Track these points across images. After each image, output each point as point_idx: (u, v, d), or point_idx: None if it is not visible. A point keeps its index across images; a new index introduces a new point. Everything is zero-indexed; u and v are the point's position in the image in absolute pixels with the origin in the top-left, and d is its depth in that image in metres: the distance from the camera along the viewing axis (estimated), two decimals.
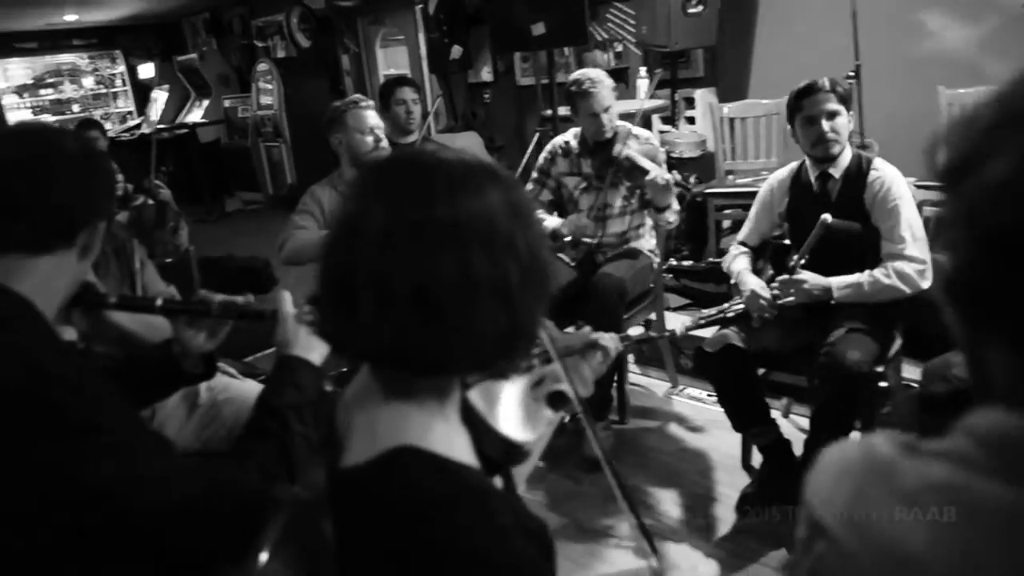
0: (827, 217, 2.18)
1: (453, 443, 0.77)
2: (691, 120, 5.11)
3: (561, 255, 2.97)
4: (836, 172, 2.36)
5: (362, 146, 2.68)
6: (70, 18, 9.03)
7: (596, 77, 2.77)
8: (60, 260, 1.13)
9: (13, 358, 1.00)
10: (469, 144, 6.50)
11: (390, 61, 8.33)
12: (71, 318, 1.71)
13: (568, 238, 2.79)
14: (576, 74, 2.82)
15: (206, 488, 1.06)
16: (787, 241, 2.55)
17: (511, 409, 0.89)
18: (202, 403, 2.07)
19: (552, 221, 2.86)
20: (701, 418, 2.98)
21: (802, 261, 2.27)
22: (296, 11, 8.12)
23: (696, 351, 2.36)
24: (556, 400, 1.00)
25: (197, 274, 2.90)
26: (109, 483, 0.99)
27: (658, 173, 2.58)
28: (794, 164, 2.53)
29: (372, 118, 2.70)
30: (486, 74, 6.72)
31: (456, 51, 6.57)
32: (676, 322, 3.39)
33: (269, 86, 8.19)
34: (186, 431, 2.04)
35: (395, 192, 0.73)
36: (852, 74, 3.62)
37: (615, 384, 2.90)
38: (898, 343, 2.41)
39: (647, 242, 2.99)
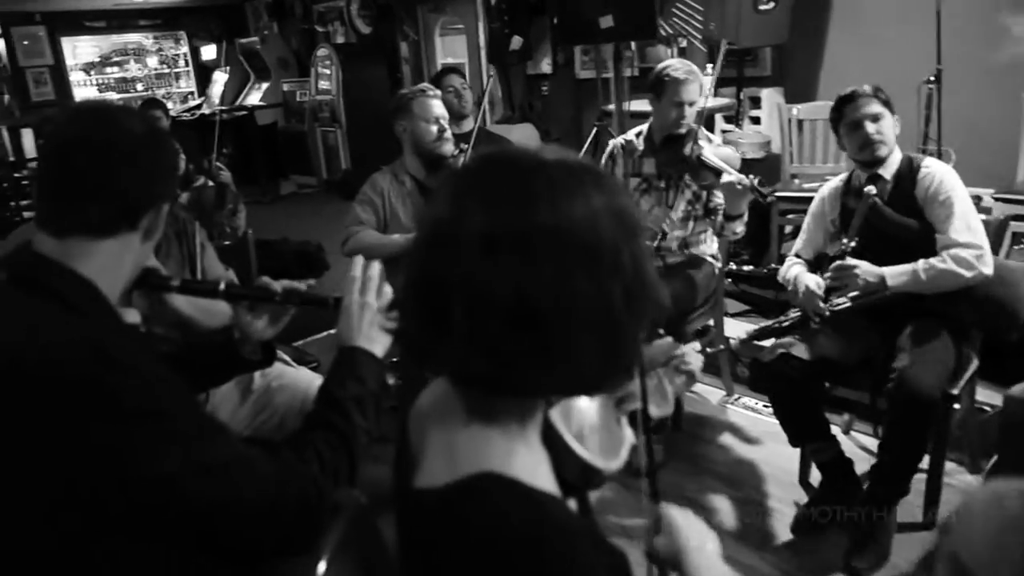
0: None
1: (536, 469, 0.71)
2: (756, 120, 4.97)
3: None
4: (887, 173, 2.31)
5: (426, 135, 2.65)
6: None
7: (691, 68, 2.73)
8: (123, 243, 1.11)
9: (76, 340, 0.98)
10: (525, 136, 6.46)
11: (448, 50, 8.31)
12: (132, 300, 1.72)
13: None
14: (671, 60, 2.78)
15: (268, 481, 1.03)
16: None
17: (592, 430, 0.84)
18: (256, 389, 2.06)
19: None
20: (756, 429, 2.88)
21: (852, 244, 2.23)
22: None
23: (752, 362, 2.28)
24: (637, 419, 0.94)
25: (255, 258, 2.90)
26: (169, 470, 0.97)
27: (735, 176, 2.49)
28: (844, 174, 2.50)
29: (438, 107, 2.67)
30: (545, 66, 6.64)
31: (516, 42, 6.50)
32: (735, 329, 3.31)
33: (328, 71, 8.23)
34: (239, 416, 2.04)
35: (493, 196, 0.67)
36: (932, 79, 3.46)
37: None
38: (974, 364, 2.29)
39: (709, 247, 2.90)
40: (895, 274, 2.18)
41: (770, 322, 2.30)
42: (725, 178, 2.50)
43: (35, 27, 9.37)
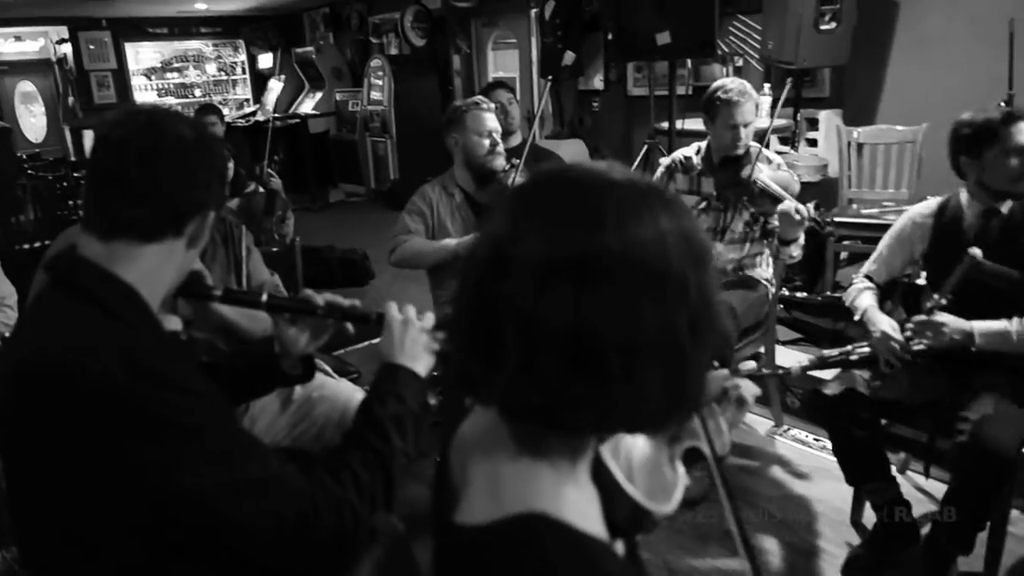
0: (976, 252, 1.96)
1: (586, 511, 0.66)
2: (812, 142, 4.85)
3: None
4: (1004, 208, 2.11)
5: (478, 148, 2.62)
6: (200, 6, 9.43)
7: (744, 88, 2.63)
8: (168, 248, 1.09)
9: (112, 347, 0.96)
10: (574, 152, 6.42)
11: (499, 64, 8.33)
12: (176, 304, 1.71)
13: None
14: (723, 80, 2.69)
15: (303, 504, 1.00)
16: (921, 280, 2.31)
17: (642, 469, 0.78)
18: (296, 399, 2.04)
19: None
20: (807, 464, 2.77)
21: (943, 301, 2.04)
22: (412, 9, 8.21)
23: (813, 394, 2.17)
24: (690, 457, 0.88)
25: (301, 265, 2.90)
26: (199, 486, 0.94)
27: (793, 205, 2.40)
28: (939, 199, 2.29)
29: (491, 121, 2.65)
30: (597, 82, 6.60)
31: (569, 57, 6.47)
32: (786, 357, 3.19)
33: (380, 82, 8.32)
34: (278, 426, 2.01)
35: (557, 216, 0.62)
36: (1004, 103, 3.32)
37: None
38: None
39: (764, 271, 2.80)
40: (985, 332, 2.01)
41: (834, 352, 2.18)
42: (782, 207, 2.41)
43: (101, 32, 9.68)
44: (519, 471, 0.66)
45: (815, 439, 2.89)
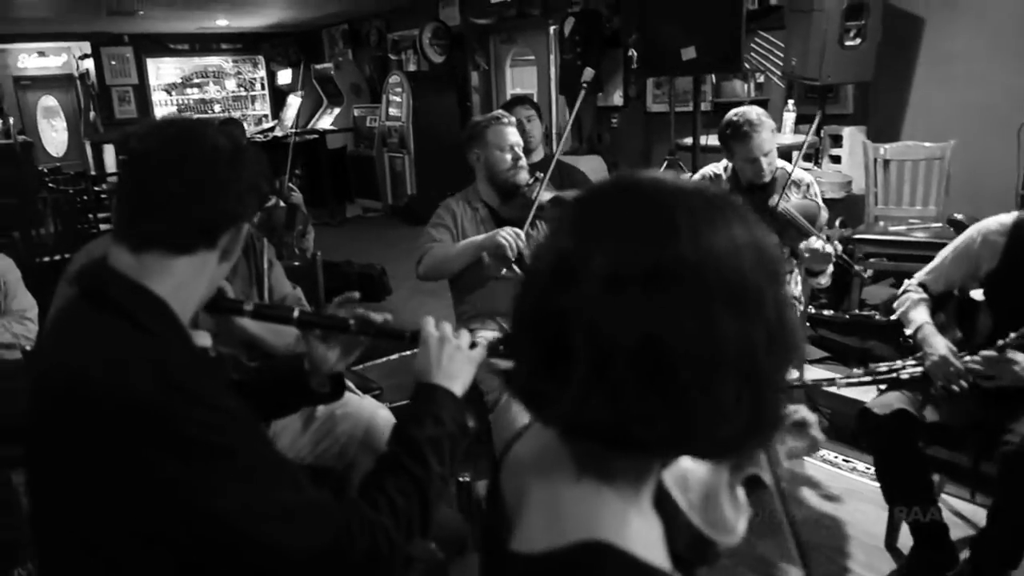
0: None
1: (651, 541, 0.62)
2: (835, 159, 4.79)
3: None
4: None
5: (500, 163, 2.58)
6: (221, 23, 9.53)
7: (755, 119, 2.53)
8: (200, 262, 1.06)
9: (142, 362, 0.93)
10: (592, 168, 6.38)
11: (517, 81, 8.34)
12: (199, 318, 1.68)
13: None
14: (733, 114, 2.58)
15: (336, 530, 0.96)
16: (977, 294, 2.19)
17: (704, 497, 0.73)
18: (319, 416, 2.00)
19: None
20: (837, 485, 2.70)
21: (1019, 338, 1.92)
22: (430, 26, 8.25)
23: (861, 412, 2.09)
24: (750, 485, 0.83)
25: (323, 279, 2.87)
26: (228, 508, 0.91)
27: (820, 243, 2.33)
28: (1015, 215, 2.10)
29: (512, 135, 2.61)
30: (617, 98, 6.58)
31: (588, 73, 6.43)
32: (813, 376, 3.12)
33: (398, 98, 8.34)
34: (300, 444, 1.98)
35: (627, 226, 0.58)
36: None
37: None
38: None
39: (793, 288, 2.75)
40: None
41: (883, 367, 2.11)
42: (809, 244, 2.34)
43: (123, 48, 9.79)
44: (581, 496, 0.61)
45: (844, 460, 2.82)
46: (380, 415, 1.98)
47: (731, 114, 2.59)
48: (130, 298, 1.00)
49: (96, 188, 6.90)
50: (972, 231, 2.18)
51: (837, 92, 4.92)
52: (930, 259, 2.29)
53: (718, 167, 2.77)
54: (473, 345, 1.21)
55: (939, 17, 4.47)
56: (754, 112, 2.56)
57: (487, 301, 2.56)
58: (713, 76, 5.71)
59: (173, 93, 10.47)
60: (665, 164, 5.30)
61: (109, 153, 9.55)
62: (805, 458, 2.88)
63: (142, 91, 10.05)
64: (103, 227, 6.18)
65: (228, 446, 0.92)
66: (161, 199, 1.02)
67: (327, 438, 1.98)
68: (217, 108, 10.80)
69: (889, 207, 3.93)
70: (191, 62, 10.62)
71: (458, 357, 1.18)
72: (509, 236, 2.38)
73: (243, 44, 10.74)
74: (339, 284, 5.09)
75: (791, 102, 4.56)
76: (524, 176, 2.59)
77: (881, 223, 3.87)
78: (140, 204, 1.03)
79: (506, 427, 2.29)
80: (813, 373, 3.16)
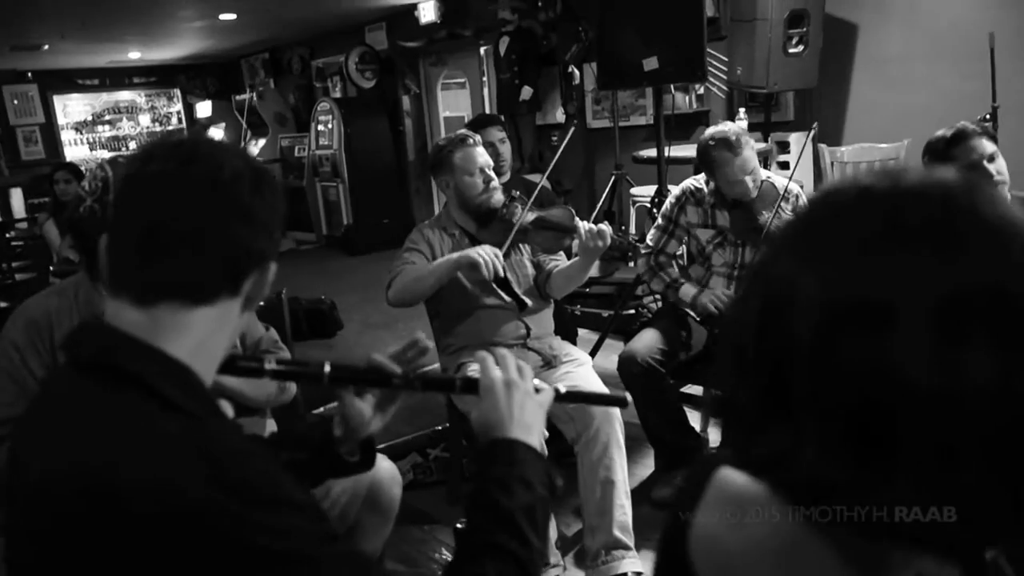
0: None
1: None
2: (783, 165, 4.83)
3: (690, 310, 2.67)
4: None
5: (471, 188, 2.41)
6: (134, 56, 9.09)
7: (735, 140, 2.40)
8: (222, 312, 0.86)
9: (191, 459, 0.73)
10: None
11: (450, 104, 8.23)
12: None
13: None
14: (715, 131, 2.46)
15: None
16: None
17: None
18: None
19: (689, 289, 2.60)
20: None
21: None
22: (357, 51, 8.06)
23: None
24: None
25: (289, 317, 2.65)
26: None
27: None
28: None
29: (481, 156, 2.44)
30: (559, 115, 6.53)
31: (526, 92, 6.41)
32: None
33: (328, 126, 8.11)
34: None
35: (848, 242, 0.47)
36: (988, 117, 3.33)
37: None
38: None
39: None
40: None
41: None
42: None
43: (26, 85, 9.23)
44: None
45: None
46: (383, 467, 1.79)
47: (708, 134, 2.46)
48: (150, 367, 0.79)
49: (7, 236, 6.40)
50: None
51: (778, 100, 4.99)
52: None
53: (697, 181, 2.65)
54: (537, 389, 1.04)
55: (872, 23, 4.59)
56: (731, 130, 2.43)
57: (474, 332, 2.40)
58: (649, 90, 5.76)
59: (84, 131, 9.93)
60: (612, 179, 5.27)
61: (16, 197, 8.95)
62: None
63: (50, 130, 9.49)
64: (19, 276, 5.71)
65: (306, 554, 0.73)
66: (174, 237, 0.82)
67: (324, 500, 1.77)
68: (132, 145, 10.30)
69: None
70: (100, 98, 10.11)
71: (529, 404, 1.00)
72: (485, 254, 2.19)
73: (157, 77, 10.29)
74: (281, 323, 4.83)
75: (743, 110, 4.57)
76: (499, 197, 2.44)
77: None
78: (146, 245, 0.82)
79: None
80: None
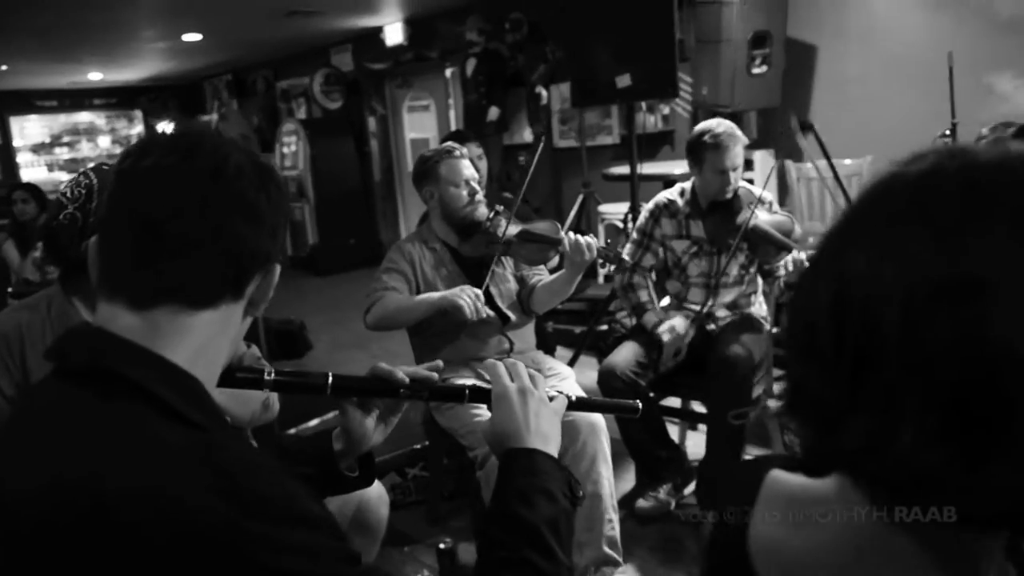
0: None
1: None
2: (749, 182, 4.93)
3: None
4: None
5: (456, 200, 2.42)
6: (94, 77, 8.95)
7: (732, 131, 2.51)
8: (223, 316, 0.80)
9: (203, 475, 0.67)
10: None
11: (416, 125, 8.25)
12: None
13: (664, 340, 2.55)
14: (708, 123, 2.56)
15: None
16: None
17: None
18: None
19: (651, 318, 2.62)
20: None
21: None
22: (321, 72, 8.05)
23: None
24: None
25: (264, 336, 2.61)
26: None
27: (804, 255, 2.34)
28: None
29: (467, 169, 2.45)
30: (527, 136, 6.58)
31: (493, 112, 6.45)
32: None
33: (293, 147, 8.06)
34: None
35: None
36: (948, 133, 3.44)
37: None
38: None
39: (759, 308, 2.73)
40: None
41: None
42: (793, 256, 2.35)
43: None
44: None
45: None
46: (371, 486, 1.77)
47: (706, 123, 2.56)
48: (150, 374, 0.73)
49: None
50: None
51: (741, 119, 5.10)
52: None
53: (671, 193, 2.70)
54: (550, 397, 1.01)
55: (831, 45, 4.73)
56: (728, 124, 2.55)
57: (457, 347, 2.39)
58: (615, 111, 5.86)
59: (41, 153, 9.73)
60: (581, 198, 5.32)
61: None
62: None
63: (6, 151, 9.28)
64: None
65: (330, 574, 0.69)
66: (173, 235, 0.76)
67: None
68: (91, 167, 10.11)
69: (814, 223, 4.05)
70: (59, 120, 9.92)
71: (545, 412, 0.98)
72: (468, 298, 2.20)
73: (118, 99, 10.14)
74: (257, 342, 4.77)
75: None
76: (483, 211, 2.45)
77: (810, 239, 3.96)
78: (144, 244, 0.76)
79: None
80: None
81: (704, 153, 2.51)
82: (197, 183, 0.77)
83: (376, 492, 1.79)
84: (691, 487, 2.67)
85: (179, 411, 0.71)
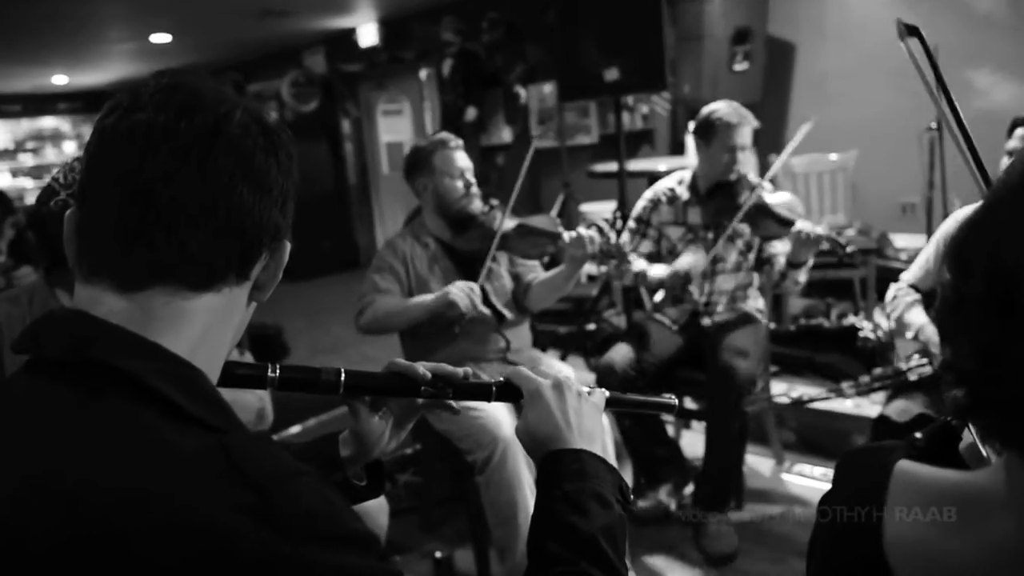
0: None
1: None
2: None
3: (662, 317, 2.65)
4: None
5: (452, 192, 2.35)
6: (59, 80, 8.73)
7: (741, 111, 2.49)
8: (226, 301, 0.69)
9: (227, 489, 0.57)
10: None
11: (390, 127, 8.16)
12: None
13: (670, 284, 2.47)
14: (716, 104, 2.54)
15: None
16: None
17: None
18: None
19: (657, 269, 2.54)
20: (813, 498, 2.63)
21: None
22: (290, 75, 7.92)
23: (878, 421, 2.01)
24: None
25: (248, 342, 2.51)
26: None
27: (807, 224, 2.31)
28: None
29: (462, 160, 2.39)
30: (505, 136, 6.53)
31: (471, 113, 6.39)
32: (775, 389, 3.08)
33: None
34: None
35: None
36: (935, 126, 3.45)
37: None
38: None
39: (756, 302, 2.69)
40: None
41: (888, 371, 2.06)
42: (797, 227, 2.32)
43: None
44: None
45: (821, 473, 2.77)
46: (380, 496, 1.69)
47: (716, 103, 2.55)
48: (146, 364, 0.61)
49: None
50: (949, 222, 2.18)
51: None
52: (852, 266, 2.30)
53: (670, 182, 2.67)
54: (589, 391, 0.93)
55: (809, 42, 4.76)
56: (736, 104, 2.54)
57: (453, 346, 2.31)
58: (594, 110, 5.83)
59: (4, 160, 9.47)
60: (562, 198, 5.28)
61: None
62: (783, 476, 2.81)
63: None
64: None
65: None
66: (170, 207, 0.64)
67: None
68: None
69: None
70: (22, 126, 9.67)
71: (586, 408, 0.89)
72: (461, 293, 2.15)
73: (84, 103, 9.90)
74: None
75: (692, 124, 4.65)
76: (478, 204, 2.38)
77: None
78: (133, 213, 0.64)
79: (501, 489, 2.05)
80: (774, 388, 3.10)
81: (714, 131, 2.49)
82: (195, 142, 0.64)
83: (376, 500, 1.72)
84: (690, 487, 2.62)
85: (185, 409, 0.61)
